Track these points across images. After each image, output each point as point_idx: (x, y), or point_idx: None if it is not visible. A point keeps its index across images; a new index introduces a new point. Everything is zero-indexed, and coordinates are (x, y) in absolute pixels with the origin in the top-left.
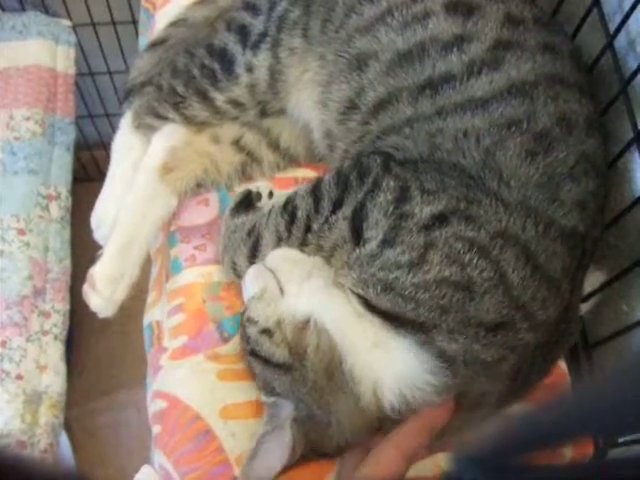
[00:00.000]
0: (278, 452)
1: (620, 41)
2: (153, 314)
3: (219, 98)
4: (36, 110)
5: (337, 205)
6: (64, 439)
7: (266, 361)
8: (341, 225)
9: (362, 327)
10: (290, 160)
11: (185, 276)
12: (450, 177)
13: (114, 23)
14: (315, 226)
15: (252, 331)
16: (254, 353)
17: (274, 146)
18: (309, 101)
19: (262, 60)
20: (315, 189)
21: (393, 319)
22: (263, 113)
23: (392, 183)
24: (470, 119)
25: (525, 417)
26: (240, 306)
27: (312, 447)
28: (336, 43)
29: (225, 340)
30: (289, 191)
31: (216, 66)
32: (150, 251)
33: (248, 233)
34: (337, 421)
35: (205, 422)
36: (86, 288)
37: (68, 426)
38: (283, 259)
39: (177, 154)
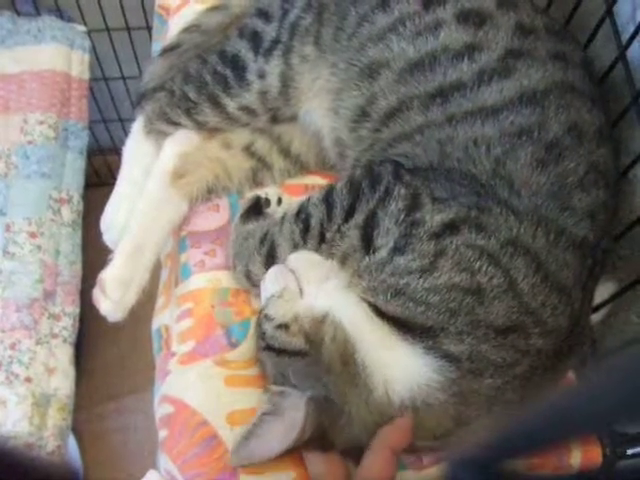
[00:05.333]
0: (279, 434)
1: (633, 52)
2: (162, 319)
3: (231, 104)
4: (50, 114)
5: (349, 213)
6: (72, 442)
7: (282, 351)
8: (352, 234)
9: (373, 329)
10: (301, 167)
11: (194, 281)
12: (461, 185)
13: (128, 29)
14: (328, 235)
15: (268, 327)
16: (269, 348)
17: (285, 152)
18: (320, 109)
19: (274, 67)
20: (327, 196)
21: (401, 325)
22: (274, 119)
23: (403, 191)
24: (480, 127)
25: (519, 420)
26: (249, 312)
27: (320, 433)
28: (348, 52)
29: (233, 346)
30: (298, 198)
31: (228, 72)
32: (160, 256)
33: (261, 241)
34: (349, 413)
35: (211, 427)
36: (96, 292)
37: (76, 429)
38: (303, 261)
39: (188, 159)
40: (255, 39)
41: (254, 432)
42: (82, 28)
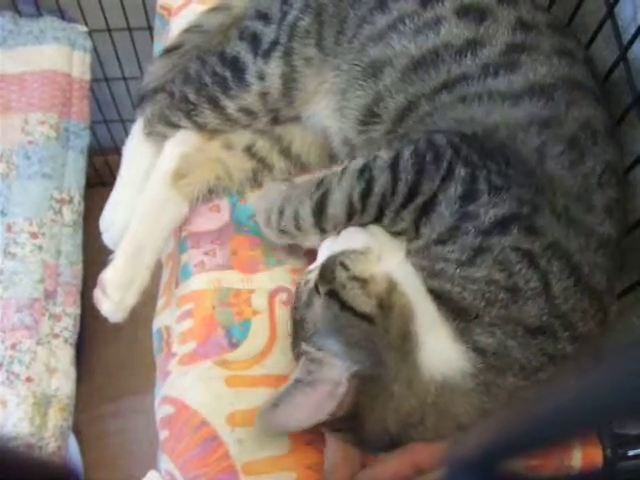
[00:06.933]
0: (311, 406)
1: (634, 53)
2: (163, 319)
3: (230, 106)
4: (51, 115)
5: (412, 192)
6: (72, 442)
7: (348, 307)
8: (408, 218)
9: (427, 303)
10: (301, 167)
11: (194, 282)
12: (514, 168)
13: (130, 29)
14: (388, 216)
15: (342, 275)
16: (333, 294)
17: (285, 153)
18: (327, 109)
19: (274, 68)
20: (395, 164)
21: (439, 298)
22: (275, 120)
23: (463, 171)
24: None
25: (519, 419)
26: (249, 312)
27: (353, 413)
28: (350, 53)
29: (234, 346)
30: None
31: (227, 74)
32: (161, 256)
33: (317, 185)
34: (392, 392)
35: (212, 428)
36: (97, 293)
37: (77, 430)
38: (382, 232)
39: (189, 160)
40: (254, 41)
41: (284, 399)
42: (83, 28)
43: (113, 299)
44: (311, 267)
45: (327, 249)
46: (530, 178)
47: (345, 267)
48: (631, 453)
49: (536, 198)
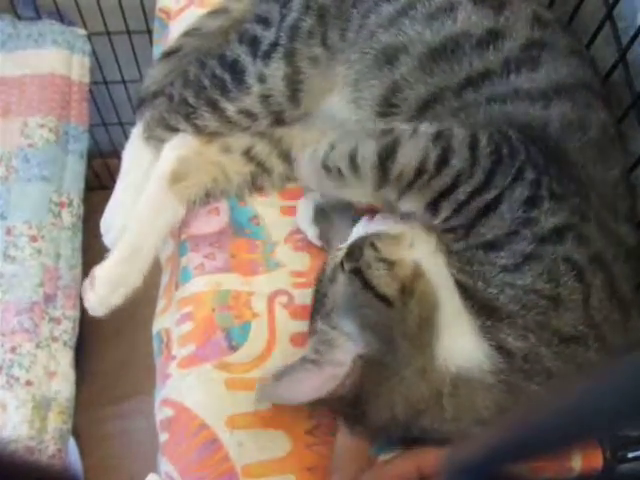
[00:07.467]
0: (314, 385)
1: (633, 54)
2: (162, 322)
3: (230, 108)
4: (50, 118)
5: (488, 180)
6: (72, 446)
7: (369, 286)
8: (472, 212)
9: (453, 296)
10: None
11: (194, 284)
12: (569, 174)
13: (129, 32)
14: (460, 197)
15: (370, 254)
16: (357, 272)
17: (284, 157)
18: (341, 102)
19: (274, 70)
20: (473, 145)
21: (466, 291)
22: (278, 122)
23: (531, 174)
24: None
25: (518, 422)
26: (249, 315)
27: (355, 396)
28: (358, 43)
29: (233, 349)
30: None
31: (227, 77)
32: (161, 259)
33: (383, 132)
34: (402, 378)
35: (212, 431)
36: (85, 284)
37: (76, 433)
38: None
39: (187, 163)
40: (254, 44)
41: (288, 374)
42: (82, 32)
43: (99, 295)
44: (342, 245)
45: (361, 228)
46: (579, 184)
47: (375, 247)
48: (631, 455)
49: (583, 205)
